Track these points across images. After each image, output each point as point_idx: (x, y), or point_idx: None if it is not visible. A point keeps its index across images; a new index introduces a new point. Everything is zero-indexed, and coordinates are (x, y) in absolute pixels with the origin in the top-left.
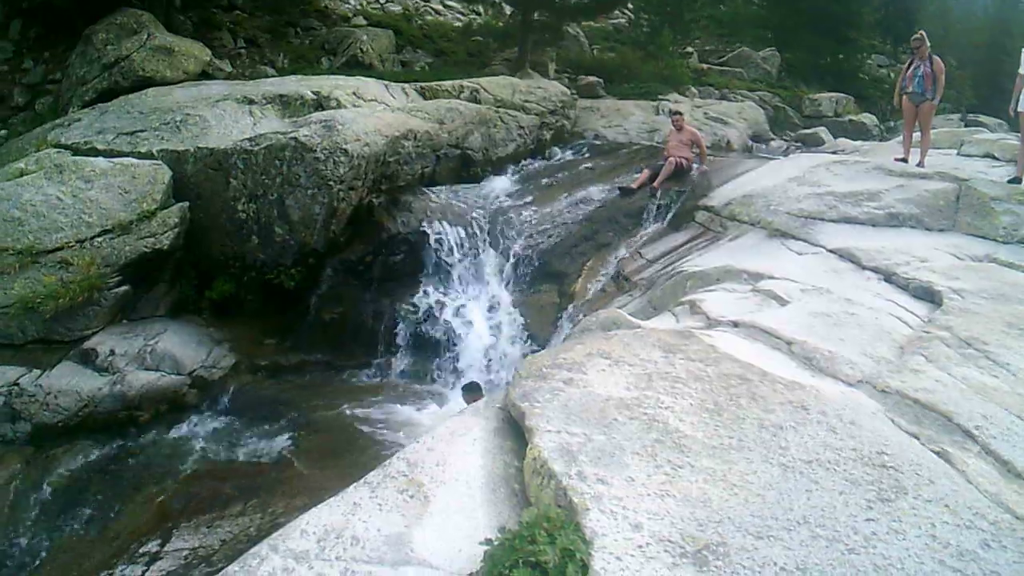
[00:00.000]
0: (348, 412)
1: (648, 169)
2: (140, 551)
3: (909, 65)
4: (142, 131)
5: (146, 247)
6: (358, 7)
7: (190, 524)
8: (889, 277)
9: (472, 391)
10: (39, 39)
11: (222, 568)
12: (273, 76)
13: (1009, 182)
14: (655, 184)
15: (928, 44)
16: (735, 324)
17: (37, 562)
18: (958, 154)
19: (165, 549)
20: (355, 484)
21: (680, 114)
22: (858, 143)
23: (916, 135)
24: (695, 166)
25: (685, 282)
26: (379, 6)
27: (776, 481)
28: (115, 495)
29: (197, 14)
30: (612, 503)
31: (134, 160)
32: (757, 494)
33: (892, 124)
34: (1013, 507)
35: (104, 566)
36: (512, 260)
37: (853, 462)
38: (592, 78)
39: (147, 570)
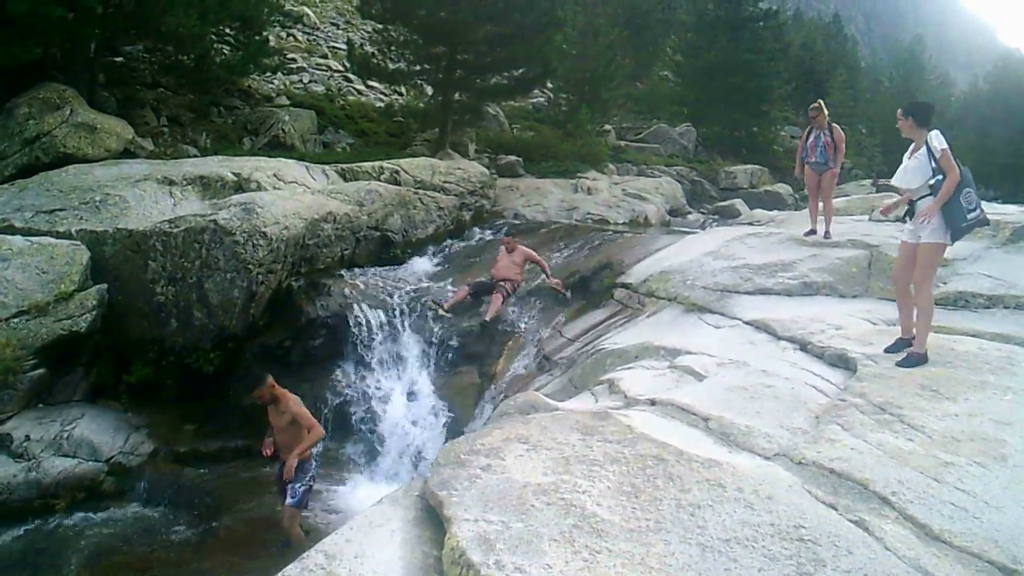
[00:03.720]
0: (268, 499)
1: (467, 287)
2: None
3: (808, 135)
4: (61, 210)
5: (63, 329)
6: (281, 87)
7: None
8: (804, 346)
9: None
10: None
11: None
12: (195, 155)
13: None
14: (496, 311)
15: (826, 113)
16: (653, 402)
17: None
18: (869, 220)
19: None
20: None
21: (512, 237)
22: (773, 213)
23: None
24: (521, 286)
25: (605, 360)
26: (302, 86)
27: (694, 562)
28: None
29: (121, 91)
30: None
31: (52, 240)
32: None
33: (806, 193)
34: (932, 570)
35: None
36: (432, 342)
37: (771, 537)
38: (512, 157)
39: None
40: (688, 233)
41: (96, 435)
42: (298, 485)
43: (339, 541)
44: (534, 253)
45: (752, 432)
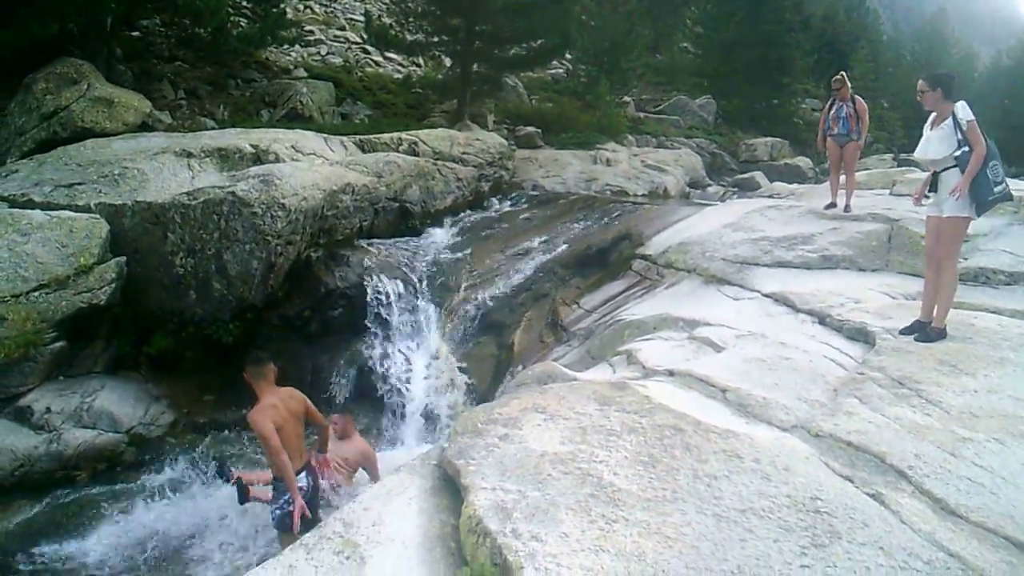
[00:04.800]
0: None
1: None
2: None
3: (830, 107)
4: (80, 184)
5: (83, 302)
6: (299, 59)
7: None
8: (823, 319)
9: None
10: None
11: None
12: (213, 128)
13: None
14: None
15: (849, 85)
16: (671, 373)
17: None
18: (890, 194)
19: None
20: (291, 546)
21: (346, 415)
22: (793, 186)
23: (843, 178)
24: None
25: (623, 331)
26: (320, 58)
27: (710, 531)
28: (48, 564)
29: (138, 65)
30: (547, 560)
31: (71, 213)
32: (691, 545)
33: (826, 166)
34: (947, 544)
35: None
36: (451, 313)
37: (787, 509)
38: (530, 128)
39: None
40: (707, 205)
41: (116, 406)
42: (273, 507)
43: (357, 509)
44: (369, 449)
45: (770, 404)
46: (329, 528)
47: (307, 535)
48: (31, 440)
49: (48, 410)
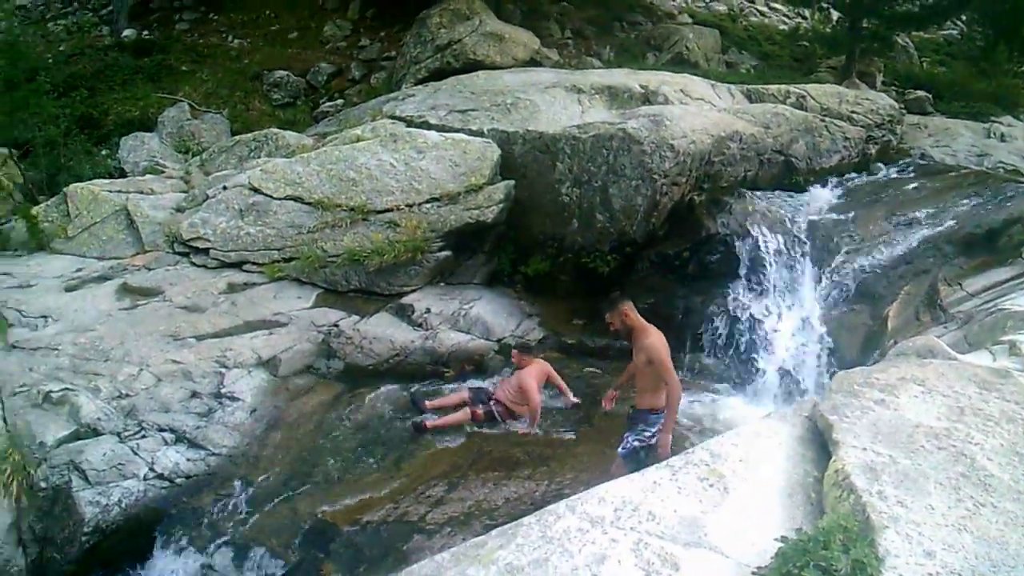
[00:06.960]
0: None
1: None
2: (427, 493)
3: None
4: (473, 110)
5: (471, 218)
6: (683, 4)
7: (477, 479)
8: None
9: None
10: (375, 20)
11: (502, 523)
12: (599, 67)
13: None
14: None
15: None
16: None
17: (331, 484)
18: None
19: (450, 496)
20: (656, 465)
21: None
22: None
23: None
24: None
25: (1004, 321)
26: (704, 5)
27: None
28: (411, 439)
29: (526, 4)
30: (908, 527)
31: (465, 136)
32: None
33: None
34: None
35: (391, 500)
36: (828, 275)
37: None
38: (921, 93)
39: (430, 511)
40: None
41: (491, 316)
42: (630, 435)
43: (725, 443)
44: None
45: None
46: (696, 456)
47: (674, 457)
48: (409, 335)
49: (428, 311)
